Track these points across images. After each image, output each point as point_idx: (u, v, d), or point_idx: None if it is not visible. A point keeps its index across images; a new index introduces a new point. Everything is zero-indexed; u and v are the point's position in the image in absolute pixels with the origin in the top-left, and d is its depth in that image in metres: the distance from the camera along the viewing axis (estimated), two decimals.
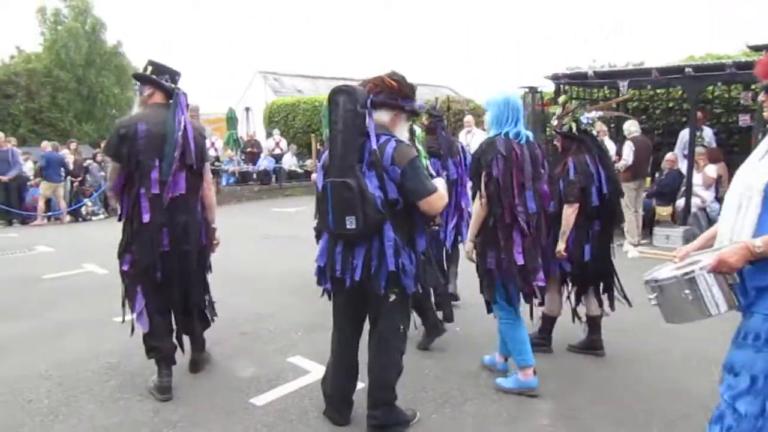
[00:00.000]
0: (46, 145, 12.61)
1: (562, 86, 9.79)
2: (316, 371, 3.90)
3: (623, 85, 8.58)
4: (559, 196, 3.92)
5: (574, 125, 4.06)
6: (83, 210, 12.72)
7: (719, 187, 8.58)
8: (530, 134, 3.53)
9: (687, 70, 7.89)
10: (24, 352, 4.40)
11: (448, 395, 3.55)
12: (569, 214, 3.87)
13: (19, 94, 24.01)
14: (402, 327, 3.08)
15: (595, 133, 4.22)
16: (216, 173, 14.00)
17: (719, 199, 8.89)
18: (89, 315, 5.31)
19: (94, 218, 12.83)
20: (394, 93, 3.02)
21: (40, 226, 11.85)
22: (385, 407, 3.05)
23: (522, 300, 3.58)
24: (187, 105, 3.65)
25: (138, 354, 4.26)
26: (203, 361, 4.03)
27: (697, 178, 8.72)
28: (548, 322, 4.26)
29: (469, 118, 11.62)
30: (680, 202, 8.64)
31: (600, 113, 4.48)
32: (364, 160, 2.85)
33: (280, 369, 3.98)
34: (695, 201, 8.59)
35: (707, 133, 9.26)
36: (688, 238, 8.05)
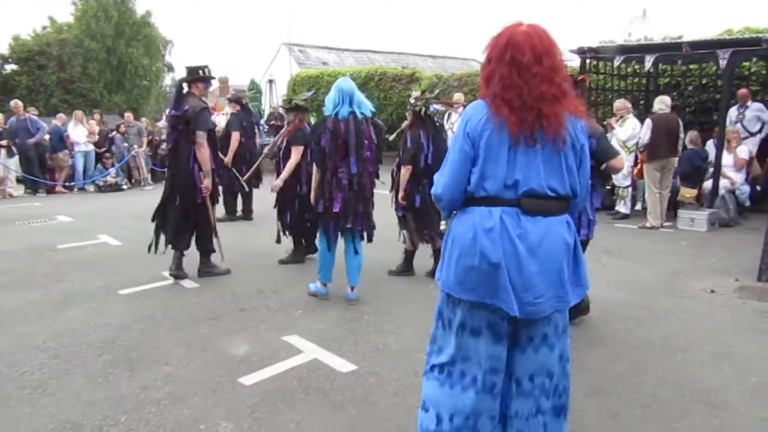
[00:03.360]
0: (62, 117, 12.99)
1: (588, 60, 9.42)
2: (310, 352, 3.85)
3: (649, 59, 8.17)
4: (399, 160, 5.30)
5: (424, 108, 5.23)
6: (106, 180, 12.85)
7: (749, 169, 8.22)
8: (367, 112, 4.65)
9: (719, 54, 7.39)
10: (26, 323, 4.43)
11: None
12: (404, 173, 5.19)
13: (51, 65, 24.36)
14: None
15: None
16: None
17: (752, 182, 8.52)
18: (95, 287, 5.35)
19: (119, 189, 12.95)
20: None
21: (64, 195, 12.05)
22: None
23: (365, 239, 4.88)
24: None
25: (135, 329, 4.30)
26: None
27: (727, 159, 8.36)
28: (409, 255, 5.66)
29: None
30: (707, 184, 8.29)
31: (440, 107, 5.89)
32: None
33: (274, 348, 3.92)
34: (724, 183, 8.24)
35: (756, 107, 8.75)
36: (713, 222, 7.75)
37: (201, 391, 3.33)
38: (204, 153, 5.31)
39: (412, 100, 5.39)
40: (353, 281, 4.91)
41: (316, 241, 5.43)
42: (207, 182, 5.35)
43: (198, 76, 5.44)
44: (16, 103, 12.22)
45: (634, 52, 8.82)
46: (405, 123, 5.49)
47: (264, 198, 7.68)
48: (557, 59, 2.10)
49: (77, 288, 5.33)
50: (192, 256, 5.66)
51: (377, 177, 4.94)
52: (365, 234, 4.89)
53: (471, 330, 2.20)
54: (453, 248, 2.18)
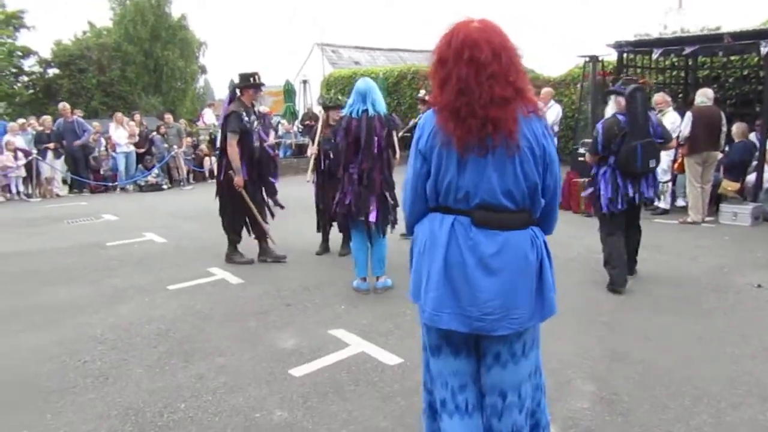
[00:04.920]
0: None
1: (625, 54, 9.31)
2: (356, 345, 3.93)
3: (688, 51, 8.03)
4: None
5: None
6: (147, 180, 13.17)
7: None
8: (381, 110, 4.88)
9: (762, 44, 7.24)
10: (83, 315, 4.63)
11: None
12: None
13: (91, 68, 25.04)
14: None
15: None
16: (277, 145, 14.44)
17: None
18: (145, 282, 5.54)
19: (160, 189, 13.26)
20: None
21: (107, 195, 12.42)
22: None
23: (387, 229, 5.06)
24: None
25: (187, 321, 4.46)
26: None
27: None
28: None
29: (546, 91, 10.95)
30: (750, 177, 8.12)
31: None
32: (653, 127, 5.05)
33: (322, 341, 4.02)
34: None
35: None
36: (757, 216, 7.60)
37: (254, 381, 3.45)
38: (231, 152, 5.72)
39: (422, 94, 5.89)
40: (376, 272, 5.11)
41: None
42: (238, 179, 5.74)
43: (248, 83, 5.76)
44: (64, 106, 12.66)
45: (673, 44, 8.68)
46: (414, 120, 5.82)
47: (299, 194, 7.81)
48: (514, 54, 1.97)
49: (128, 283, 5.52)
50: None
51: (390, 172, 5.02)
52: (382, 227, 5.02)
53: (430, 349, 2.22)
54: (413, 255, 2.20)
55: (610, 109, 5.77)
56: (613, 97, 5.37)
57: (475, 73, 1.90)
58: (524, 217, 2.05)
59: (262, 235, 6.16)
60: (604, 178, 5.00)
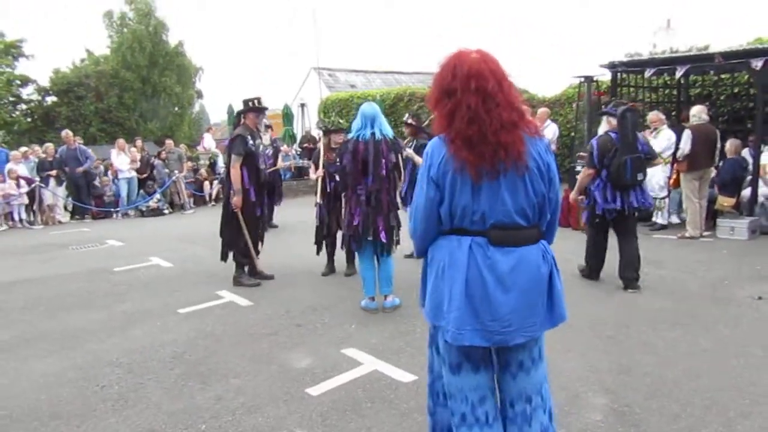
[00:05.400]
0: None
1: (619, 74, 9.52)
2: (370, 364, 4.00)
3: (680, 70, 8.23)
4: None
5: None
6: (149, 205, 13.25)
7: None
8: (388, 134, 5.03)
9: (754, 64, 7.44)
10: (97, 341, 4.69)
11: None
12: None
13: (89, 95, 25.26)
14: None
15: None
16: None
17: None
18: (155, 306, 5.61)
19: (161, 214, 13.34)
20: None
21: (109, 220, 12.49)
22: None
23: (384, 250, 5.13)
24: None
25: (200, 344, 4.52)
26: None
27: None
28: None
29: (543, 111, 11.15)
30: (746, 192, 8.27)
31: None
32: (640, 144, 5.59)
33: (335, 361, 4.09)
34: (763, 190, 8.21)
35: None
36: (754, 230, 7.74)
37: (272, 401, 3.51)
38: (233, 173, 5.91)
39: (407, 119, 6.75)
40: (384, 291, 5.21)
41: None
42: (236, 199, 5.90)
43: (249, 107, 5.94)
44: (66, 134, 12.79)
45: (665, 64, 8.89)
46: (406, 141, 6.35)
47: (300, 216, 7.90)
48: (512, 81, 2.10)
49: (138, 307, 5.59)
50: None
51: (395, 193, 5.25)
52: (388, 247, 5.17)
53: (451, 366, 2.27)
54: (427, 277, 2.28)
55: (602, 128, 6.34)
56: (605, 117, 6.04)
57: (483, 102, 2.01)
58: (535, 232, 2.18)
59: (239, 262, 6.29)
60: (598, 189, 5.55)
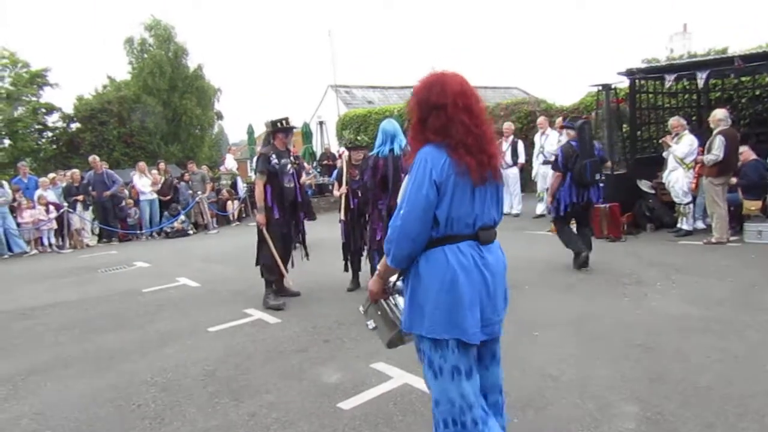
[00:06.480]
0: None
1: (637, 81, 9.50)
2: (399, 377, 4.03)
3: (701, 77, 8.20)
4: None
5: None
6: (173, 227, 13.47)
7: None
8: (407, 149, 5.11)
9: None
10: (131, 361, 4.79)
11: (529, 398, 3.58)
12: None
13: (111, 121, 25.79)
14: None
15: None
16: None
17: None
18: (185, 325, 5.71)
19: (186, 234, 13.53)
20: None
21: (136, 242, 12.71)
22: None
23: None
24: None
25: (231, 361, 4.59)
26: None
27: None
28: None
29: (542, 120, 11.48)
30: None
31: None
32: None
33: (364, 375, 4.13)
34: None
35: None
36: None
37: (305, 416, 3.56)
38: (257, 191, 6.09)
39: None
40: None
41: None
42: (259, 216, 6.05)
43: (276, 128, 6.09)
44: (94, 159, 13.11)
45: (684, 69, 8.86)
46: None
47: (324, 233, 7.98)
48: (482, 101, 2.35)
49: (169, 327, 5.69)
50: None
51: None
52: None
53: (465, 373, 2.30)
54: (427, 290, 2.24)
55: (564, 139, 7.58)
56: (565, 129, 7.37)
57: (470, 118, 2.24)
58: (496, 230, 2.43)
59: (267, 281, 6.32)
60: (564, 189, 6.73)
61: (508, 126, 12.00)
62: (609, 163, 8.18)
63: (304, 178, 7.47)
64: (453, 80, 2.27)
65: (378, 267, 2.45)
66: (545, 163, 10.55)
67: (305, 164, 17.28)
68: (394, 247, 2.24)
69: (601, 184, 6.93)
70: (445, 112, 2.21)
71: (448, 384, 2.30)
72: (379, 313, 2.59)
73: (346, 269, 6.72)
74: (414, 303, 2.30)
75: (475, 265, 2.25)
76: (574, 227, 7.12)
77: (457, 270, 2.21)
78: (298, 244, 6.69)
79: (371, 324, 2.72)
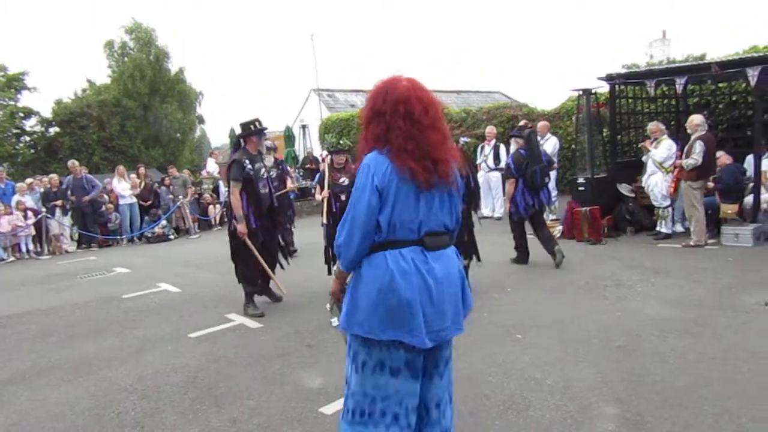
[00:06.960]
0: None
1: (617, 86, 9.62)
2: None
3: (680, 82, 8.33)
4: None
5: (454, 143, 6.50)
6: (154, 231, 13.32)
7: None
8: None
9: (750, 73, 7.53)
10: (111, 368, 4.73)
11: (511, 401, 3.60)
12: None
13: (91, 125, 25.52)
14: None
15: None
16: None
17: None
18: (166, 331, 5.65)
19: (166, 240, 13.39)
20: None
21: (115, 248, 12.56)
22: None
23: None
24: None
25: (212, 367, 4.55)
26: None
27: None
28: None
29: (543, 124, 11.23)
30: (748, 199, 8.30)
31: (468, 139, 8.11)
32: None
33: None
34: (765, 197, 8.25)
35: None
36: (758, 236, 7.76)
37: (287, 421, 3.54)
38: (233, 200, 5.85)
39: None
40: None
41: None
42: (241, 227, 5.80)
43: (248, 131, 5.90)
44: (73, 164, 12.91)
45: (663, 75, 8.99)
46: None
47: (307, 237, 7.95)
48: (439, 108, 2.34)
49: (149, 333, 5.63)
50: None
51: None
52: None
53: (390, 370, 2.34)
54: (367, 293, 2.28)
55: (513, 147, 7.74)
56: (513, 138, 7.65)
57: (411, 124, 2.24)
58: (451, 236, 2.44)
59: (245, 290, 6.18)
60: (518, 193, 7.26)
61: (490, 130, 12.05)
62: (555, 164, 9.16)
63: (290, 184, 7.41)
64: (398, 86, 2.28)
65: (334, 269, 2.53)
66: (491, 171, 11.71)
67: (289, 168, 17.22)
68: (343, 251, 2.30)
69: (551, 188, 7.51)
70: (384, 119, 2.25)
71: (368, 377, 2.36)
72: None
73: (329, 272, 6.69)
74: (353, 304, 2.34)
75: (416, 269, 2.25)
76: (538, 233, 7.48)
77: (395, 273, 2.24)
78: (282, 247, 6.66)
79: (335, 321, 2.79)
